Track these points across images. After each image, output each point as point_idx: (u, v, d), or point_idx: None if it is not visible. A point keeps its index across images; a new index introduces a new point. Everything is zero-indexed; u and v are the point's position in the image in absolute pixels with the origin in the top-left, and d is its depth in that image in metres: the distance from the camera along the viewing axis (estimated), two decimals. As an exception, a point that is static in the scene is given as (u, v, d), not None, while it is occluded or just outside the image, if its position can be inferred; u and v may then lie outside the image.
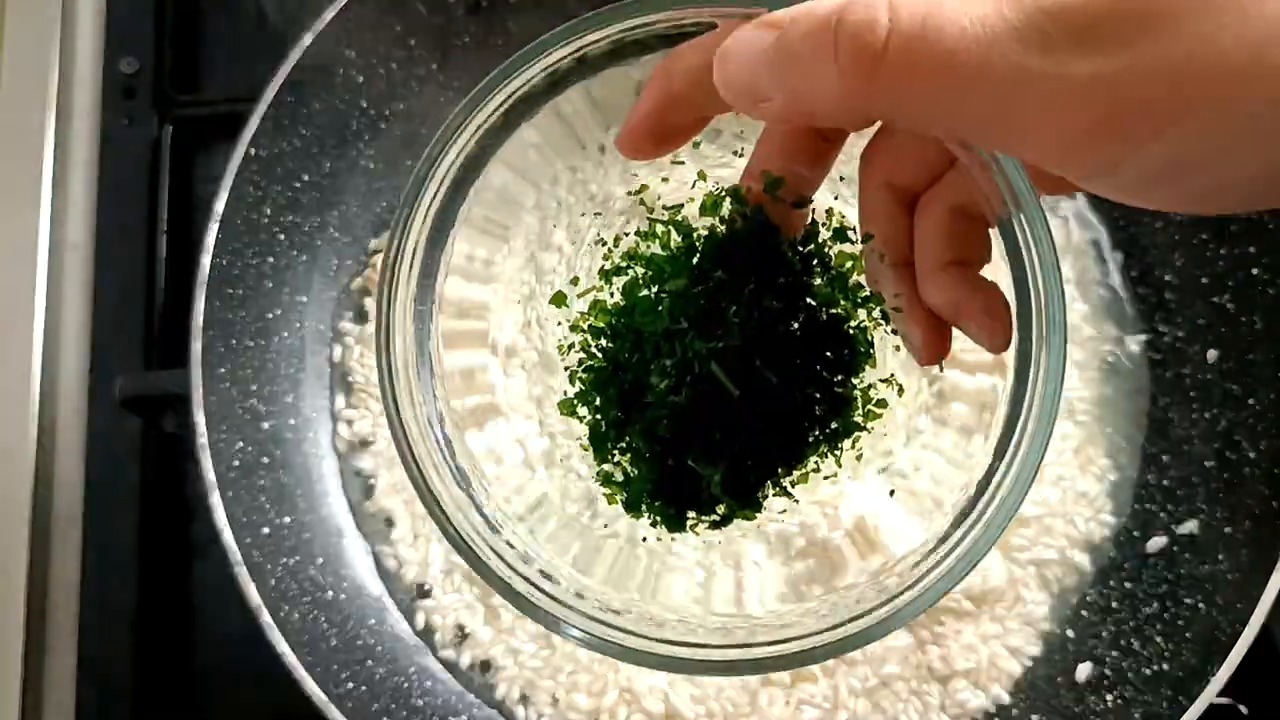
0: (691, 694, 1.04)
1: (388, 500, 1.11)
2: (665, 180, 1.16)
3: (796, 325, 0.67)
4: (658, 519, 0.74)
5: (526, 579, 0.64)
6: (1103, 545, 1.09)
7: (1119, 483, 1.11)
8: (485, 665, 1.07)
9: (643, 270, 0.77)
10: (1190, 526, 1.06)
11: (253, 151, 1.04)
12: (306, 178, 1.12)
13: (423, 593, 1.09)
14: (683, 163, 1.13)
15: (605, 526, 1.07)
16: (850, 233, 0.75)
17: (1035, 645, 1.07)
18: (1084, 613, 1.08)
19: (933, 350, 0.64)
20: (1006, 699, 1.05)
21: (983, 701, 1.04)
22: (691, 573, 1.02)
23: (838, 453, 0.79)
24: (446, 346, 1.10)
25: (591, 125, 1.22)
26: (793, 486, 0.78)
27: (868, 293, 0.70)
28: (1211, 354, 1.09)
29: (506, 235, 1.15)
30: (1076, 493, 1.10)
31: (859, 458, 1.02)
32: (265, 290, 1.09)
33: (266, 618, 0.92)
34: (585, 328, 0.79)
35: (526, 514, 0.99)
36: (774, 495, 0.79)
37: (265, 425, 1.07)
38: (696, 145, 1.04)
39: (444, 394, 0.78)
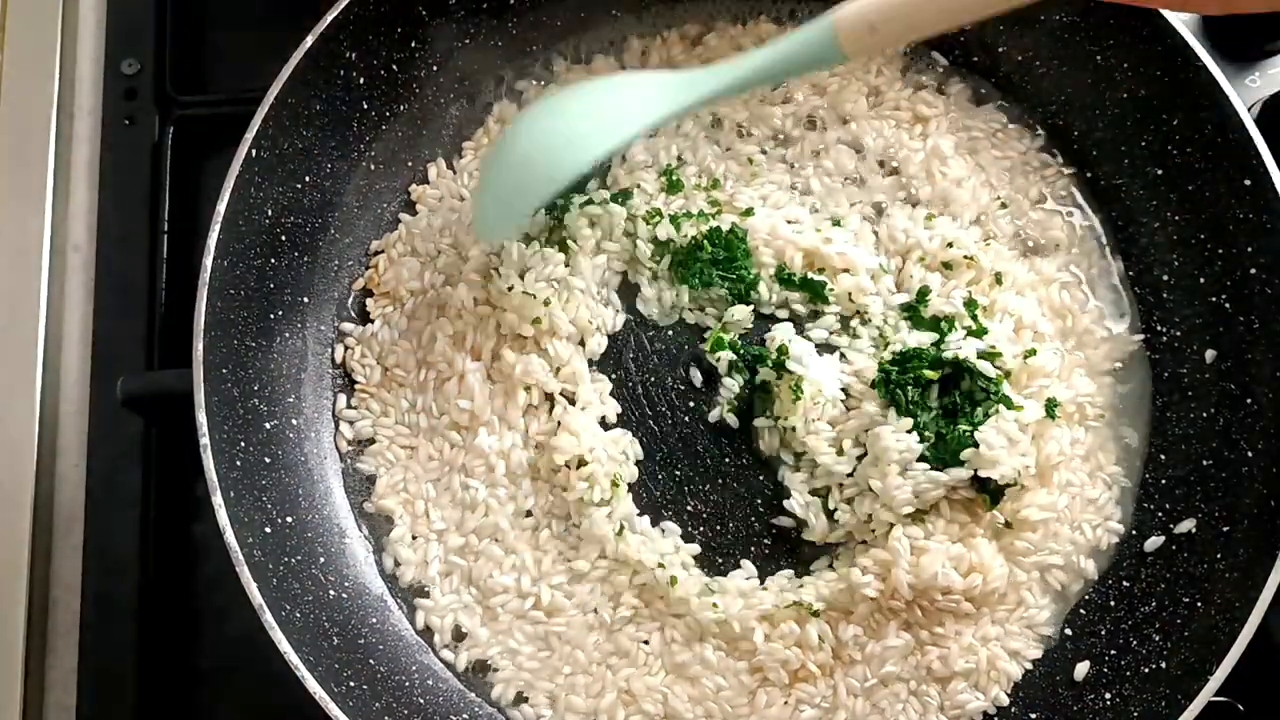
0: (689, 694, 1.04)
1: (388, 500, 1.11)
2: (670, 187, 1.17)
3: None
4: None
5: None
6: (1109, 552, 1.09)
7: (1129, 490, 1.11)
8: (483, 666, 1.07)
9: None
10: (1188, 525, 1.06)
11: (254, 153, 1.04)
12: (308, 179, 1.12)
13: (420, 592, 1.09)
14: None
15: (578, 548, 1.07)
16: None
17: (1036, 649, 1.06)
18: (1082, 611, 1.08)
19: None
20: (1005, 700, 1.04)
21: (982, 703, 1.04)
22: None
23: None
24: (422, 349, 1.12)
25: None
26: None
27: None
28: (1209, 354, 1.09)
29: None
30: (1085, 499, 1.09)
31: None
32: (267, 291, 1.09)
33: (269, 617, 0.92)
34: None
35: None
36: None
37: (267, 425, 1.07)
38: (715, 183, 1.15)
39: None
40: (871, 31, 0.77)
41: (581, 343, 1.13)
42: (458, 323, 1.13)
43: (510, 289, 1.11)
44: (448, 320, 1.13)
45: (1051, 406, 1.07)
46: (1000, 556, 1.05)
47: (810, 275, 1.14)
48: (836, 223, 1.17)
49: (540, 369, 1.10)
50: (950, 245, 1.14)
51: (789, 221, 1.16)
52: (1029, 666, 1.05)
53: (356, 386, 1.14)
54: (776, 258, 1.14)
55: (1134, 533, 1.09)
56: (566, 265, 1.14)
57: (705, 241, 1.13)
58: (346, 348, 1.15)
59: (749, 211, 1.15)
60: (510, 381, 1.10)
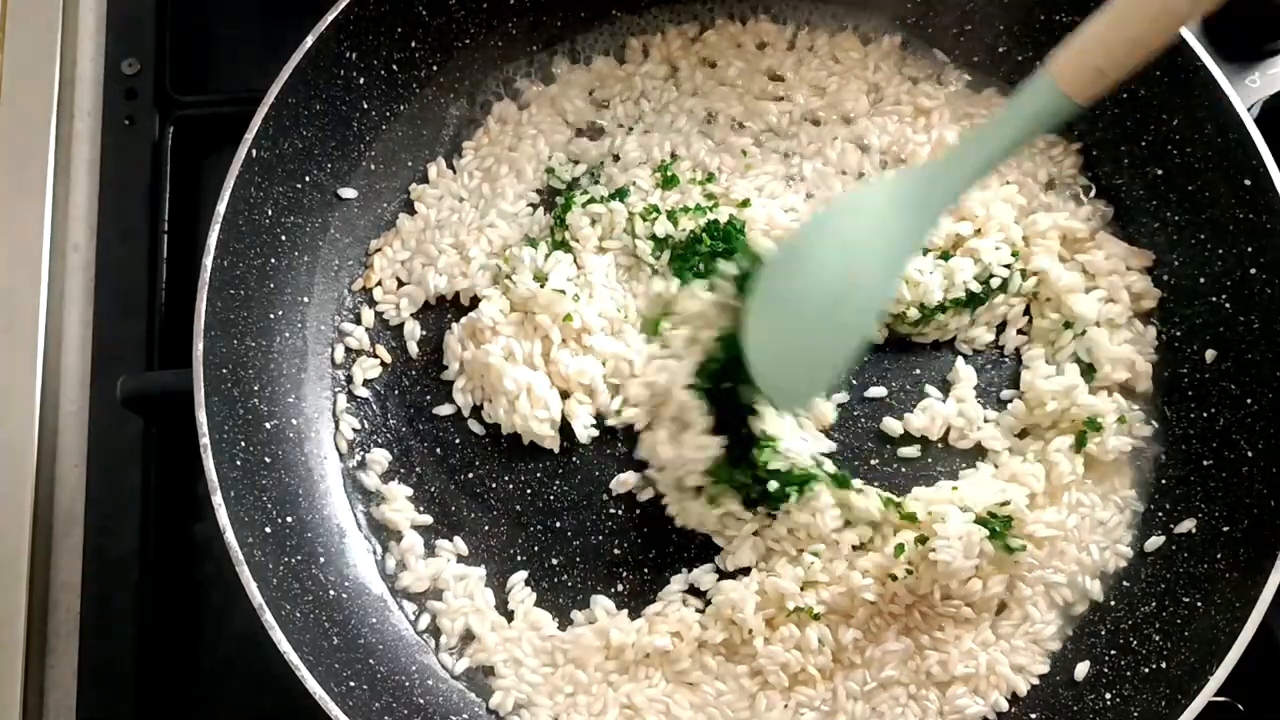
0: (690, 700, 1.04)
1: (395, 505, 1.11)
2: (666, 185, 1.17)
3: None
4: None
5: None
6: (1116, 574, 1.08)
7: (1140, 514, 1.09)
8: (486, 671, 1.07)
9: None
10: (1188, 525, 1.06)
11: (254, 153, 1.04)
12: (308, 179, 1.12)
13: (434, 595, 1.09)
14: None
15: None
16: None
17: (1043, 664, 1.05)
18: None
19: None
20: (1005, 706, 1.04)
21: (981, 708, 1.03)
22: None
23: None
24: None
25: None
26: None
27: None
28: (1209, 354, 1.09)
29: None
30: (1094, 520, 1.08)
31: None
32: (267, 291, 1.09)
33: (269, 617, 0.92)
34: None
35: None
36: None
37: (267, 425, 1.07)
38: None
39: None
40: (1100, 75, 0.76)
41: (616, 335, 1.13)
42: (498, 340, 1.11)
43: (543, 286, 1.11)
44: (487, 342, 1.12)
45: (1081, 438, 1.09)
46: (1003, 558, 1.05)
47: None
48: None
49: (594, 368, 1.11)
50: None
51: (786, 210, 1.16)
52: (1035, 681, 1.05)
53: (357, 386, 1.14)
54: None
55: (1134, 533, 1.09)
56: (576, 265, 1.14)
57: (704, 234, 1.13)
58: (348, 348, 1.15)
59: (746, 203, 1.15)
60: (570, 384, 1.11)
